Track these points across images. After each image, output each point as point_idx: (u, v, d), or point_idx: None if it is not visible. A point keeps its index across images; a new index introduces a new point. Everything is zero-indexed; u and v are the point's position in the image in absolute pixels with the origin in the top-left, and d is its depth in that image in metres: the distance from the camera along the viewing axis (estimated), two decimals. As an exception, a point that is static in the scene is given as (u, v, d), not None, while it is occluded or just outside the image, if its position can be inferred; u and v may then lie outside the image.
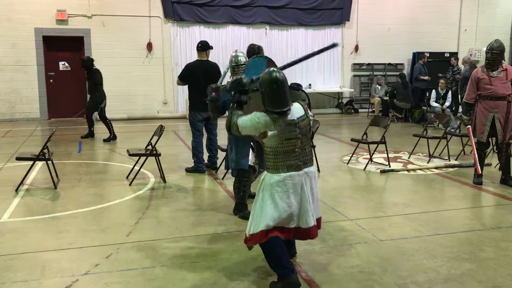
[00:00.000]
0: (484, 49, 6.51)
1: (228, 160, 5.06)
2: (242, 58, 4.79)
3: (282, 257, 3.39)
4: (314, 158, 3.58)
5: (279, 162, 3.35)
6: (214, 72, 6.60)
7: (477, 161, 6.12)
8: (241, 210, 4.97)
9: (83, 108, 13.15)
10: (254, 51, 5.15)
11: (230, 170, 5.27)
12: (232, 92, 3.78)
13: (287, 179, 3.34)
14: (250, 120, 3.37)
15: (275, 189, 3.33)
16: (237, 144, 4.79)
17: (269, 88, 3.31)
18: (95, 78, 9.65)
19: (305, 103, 3.61)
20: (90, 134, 10.03)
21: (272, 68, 3.42)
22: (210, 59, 6.92)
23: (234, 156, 4.85)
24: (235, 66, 4.77)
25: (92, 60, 9.78)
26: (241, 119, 3.42)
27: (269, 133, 3.29)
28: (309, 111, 3.51)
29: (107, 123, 9.77)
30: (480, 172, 6.07)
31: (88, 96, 10.26)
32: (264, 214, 3.33)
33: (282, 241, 3.42)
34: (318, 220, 3.62)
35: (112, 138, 9.67)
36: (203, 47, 6.82)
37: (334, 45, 4.02)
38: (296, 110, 3.40)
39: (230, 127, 3.49)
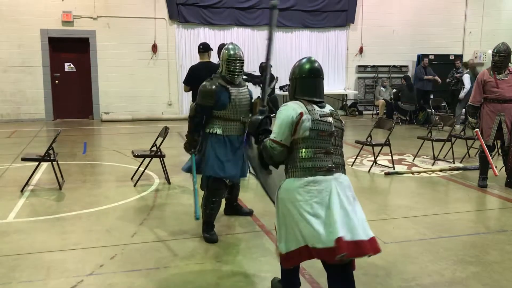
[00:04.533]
0: (490, 51, 6.50)
1: (201, 166, 4.38)
2: (239, 52, 4.38)
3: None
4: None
5: (306, 162, 2.86)
6: None
7: (492, 164, 6.10)
8: (207, 231, 4.41)
9: (88, 109, 13.25)
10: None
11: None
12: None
13: (311, 184, 2.81)
14: (279, 120, 2.91)
15: (295, 197, 2.82)
16: (216, 149, 4.30)
17: (305, 75, 3.01)
18: None
19: None
20: None
21: (310, 57, 3.15)
22: (213, 61, 6.96)
23: (211, 160, 4.28)
24: (233, 60, 4.33)
25: None
26: (272, 134, 2.96)
27: (304, 115, 2.87)
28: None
29: None
30: (497, 174, 6.06)
31: None
32: (290, 230, 2.83)
33: (298, 272, 3.21)
34: (372, 241, 2.83)
35: None
36: (205, 48, 6.88)
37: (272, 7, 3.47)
38: (327, 105, 3.09)
39: (270, 152, 2.94)
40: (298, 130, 2.89)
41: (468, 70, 12.26)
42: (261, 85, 3.64)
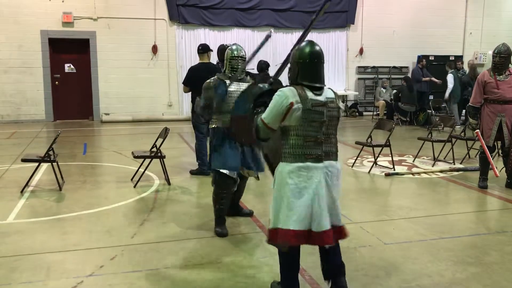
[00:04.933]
0: (490, 52, 6.50)
1: (210, 161, 4.61)
2: (242, 52, 4.66)
3: (293, 277, 3.19)
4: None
5: (296, 149, 2.96)
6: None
7: (493, 165, 6.10)
8: (218, 225, 4.53)
9: (88, 110, 13.25)
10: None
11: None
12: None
13: (302, 170, 2.94)
14: (272, 103, 2.97)
15: (286, 181, 2.96)
16: (219, 143, 4.46)
17: (308, 60, 3.01)
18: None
19: None
20: None
21: (311, 40, 3.13)
22: (213, 62, 6.98)
23: (218, 155, 4.43)
24: (235, 57, 4.60)
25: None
26: (265, 111, 3.04)
27: (295, 105, 2.90)
28: (339, 100, 3.19)
29: None
30: (498, 175, 6.05)
31: None
32: (281, 210, 2.99)
33: (298, 257, 3.19)
34: (340, 229, 3.12)
35: None
36: (204, 49, 6.91)
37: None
38: (327, 92, 3.10)
39: (257, 131, 3.08)
40: (287, 118, 2.95)
41: (453, 70, 12.52)
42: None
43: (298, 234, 2.94)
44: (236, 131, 4.20)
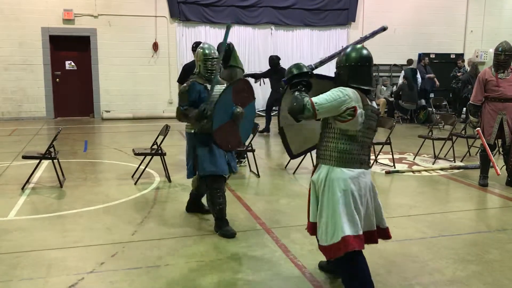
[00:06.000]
0: (491, 50, 6.49)
1: (195, 166, 4.46)
2: (216, 52, 4.47)
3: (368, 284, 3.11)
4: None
5: (353, 155, 2.98)
6: None
7: (494, 163, 6.08)
8: (221, 227, 4.43)
9: (89, 107, 13.25)
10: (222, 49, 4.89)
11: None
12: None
13: (361, 176, 2.98)
14: (333, 95, 2.90)
15: (350, 187, 2.94)
16: (209, 148, 4.35)
17: (360, 63, 3.02)
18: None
19: None
20: (266, 130, 10.54)
21: (360, 45, 3.15)
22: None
23: (207, 160, 4.34)
24: (209, 58, 4.41)
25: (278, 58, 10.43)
26: (317, 97, 2.91)
27: (358, 110, 2.90)
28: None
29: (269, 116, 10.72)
30: (499, 173, 6.04)
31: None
32: (340, 218, 2.91)
33: (366, 262, 3.12)
34: (386, 230, 3.31)
35: (265, 130, 10.48)
36: (198, 47, 6.89)
37: (383, 29, 3.50)
38: (372, 101, 3.12)
39: (302, 109, 2.88)
40: (351, 122, 2.93)
41: (408, 68, 12.89)
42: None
43: (364, 236, 3.02)
44: (222, 140, 4.17)
